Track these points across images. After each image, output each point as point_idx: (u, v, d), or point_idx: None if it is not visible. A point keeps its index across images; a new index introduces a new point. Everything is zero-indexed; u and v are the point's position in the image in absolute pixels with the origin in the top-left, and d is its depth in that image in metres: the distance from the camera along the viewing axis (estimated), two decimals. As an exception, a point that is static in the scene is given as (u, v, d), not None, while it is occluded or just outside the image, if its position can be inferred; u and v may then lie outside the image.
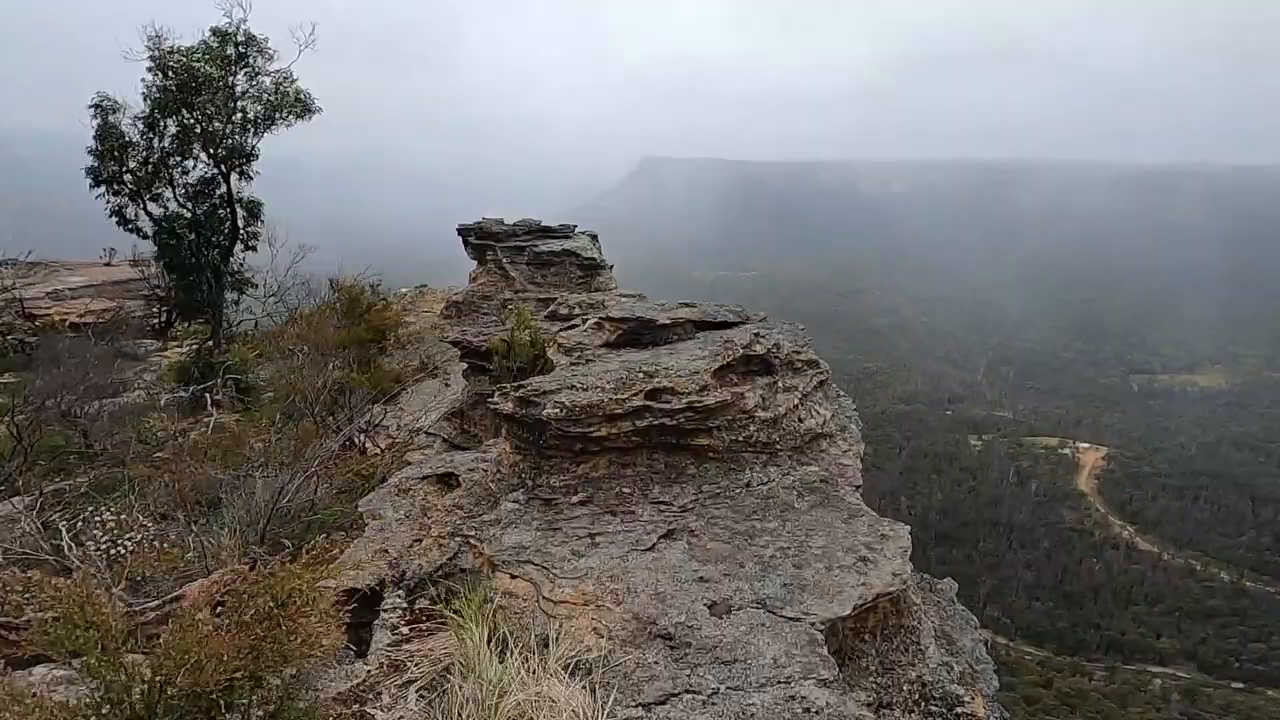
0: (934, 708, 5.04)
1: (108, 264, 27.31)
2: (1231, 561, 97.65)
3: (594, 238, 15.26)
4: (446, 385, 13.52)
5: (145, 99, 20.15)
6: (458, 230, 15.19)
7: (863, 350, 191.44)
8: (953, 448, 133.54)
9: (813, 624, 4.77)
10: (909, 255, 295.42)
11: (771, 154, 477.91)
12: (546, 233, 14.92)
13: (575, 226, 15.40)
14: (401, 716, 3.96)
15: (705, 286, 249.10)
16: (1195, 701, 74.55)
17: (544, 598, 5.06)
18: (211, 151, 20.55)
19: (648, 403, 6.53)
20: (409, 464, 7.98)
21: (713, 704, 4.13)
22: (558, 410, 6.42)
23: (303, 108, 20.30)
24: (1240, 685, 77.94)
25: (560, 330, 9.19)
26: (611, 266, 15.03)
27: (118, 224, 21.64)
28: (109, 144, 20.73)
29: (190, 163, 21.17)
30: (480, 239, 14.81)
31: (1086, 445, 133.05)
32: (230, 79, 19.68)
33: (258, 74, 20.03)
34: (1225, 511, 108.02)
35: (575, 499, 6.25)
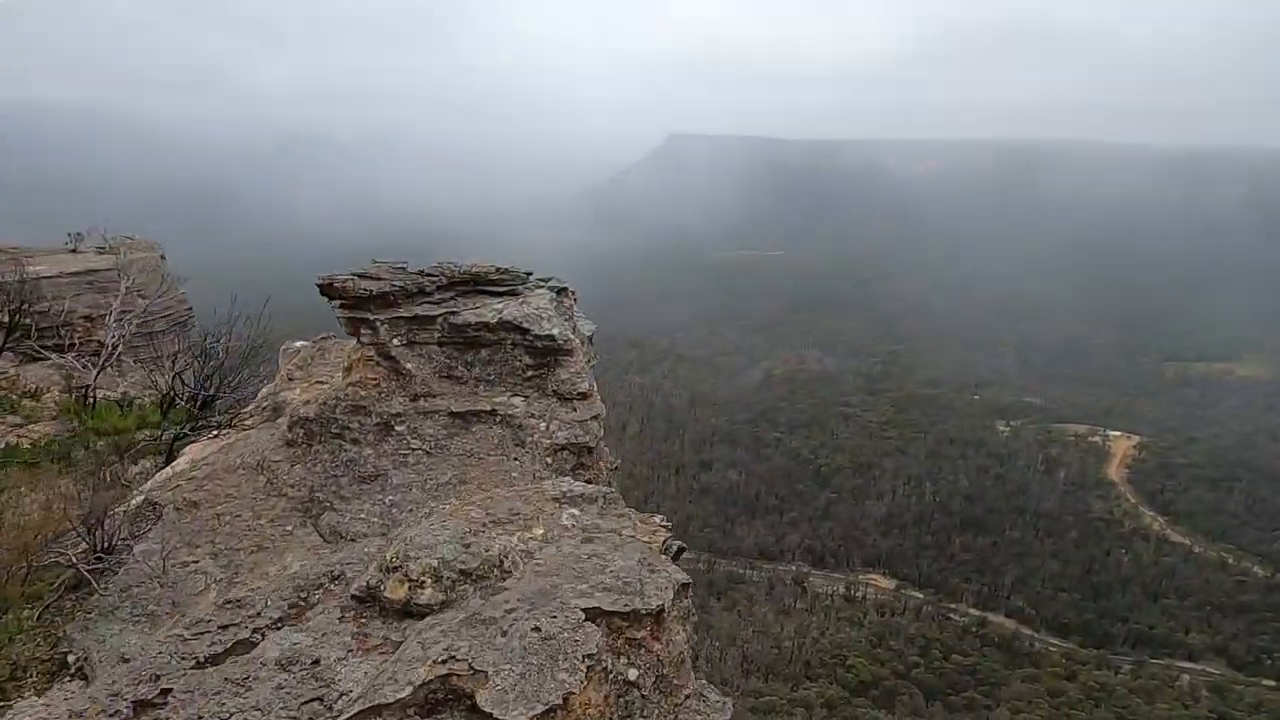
0: None
1: (73, 250, 25.17)
2: (1266, 556, 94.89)
3: (561, 292, 9.17)
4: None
5: None
6: (318, 286, 7.76)
7: (887, 333, 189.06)
8: (979, 433, 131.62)
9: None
10: (935, 238, 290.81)
11: (799, 132, 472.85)
12: (477, 286, 8.32)
13: (529, 274, 8.97)
14: None
15: (724, 269, 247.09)
16: (1225, 698, 72.75)
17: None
18: None
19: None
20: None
21: None
22: None
23: None
24: (1271, 683, 75.92)
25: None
26: (590, 340, 9.24)
27: None
28: None
29: None
30: (352, 305, 7.74)
31: (1117, 434, 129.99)
32: None
33: None
34: (1261, 505, 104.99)
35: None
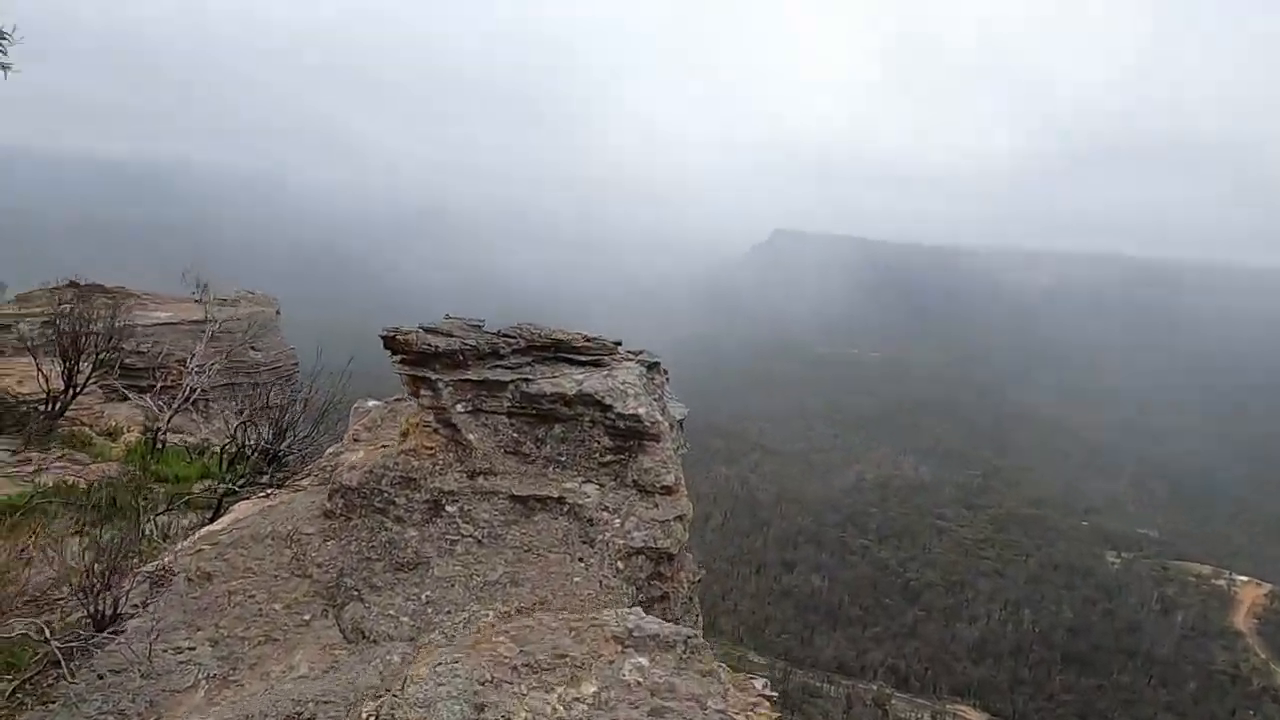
0: None
1: (199, 301, 25.72)
2: None
3: (653, 368, 7.95)
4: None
5: None
6: (382, 339, 7.05)
7: (990, 445, 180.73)
8: (1087, 562, 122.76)
9: None
10: (1051, 351, 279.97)
11: (909, 235, 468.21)
12: (559, 353, 7.20)
13: (618, 344, 7.82)
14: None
15: (823, 365, 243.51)
16: None
17: None
18: None
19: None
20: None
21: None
22: None
23: None
24: None
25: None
26: (681, 426, 7.97)
27: None
28: None
29: None
30: (414, 362, 6.91)
31: (1246, 579, 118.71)
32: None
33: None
34: None
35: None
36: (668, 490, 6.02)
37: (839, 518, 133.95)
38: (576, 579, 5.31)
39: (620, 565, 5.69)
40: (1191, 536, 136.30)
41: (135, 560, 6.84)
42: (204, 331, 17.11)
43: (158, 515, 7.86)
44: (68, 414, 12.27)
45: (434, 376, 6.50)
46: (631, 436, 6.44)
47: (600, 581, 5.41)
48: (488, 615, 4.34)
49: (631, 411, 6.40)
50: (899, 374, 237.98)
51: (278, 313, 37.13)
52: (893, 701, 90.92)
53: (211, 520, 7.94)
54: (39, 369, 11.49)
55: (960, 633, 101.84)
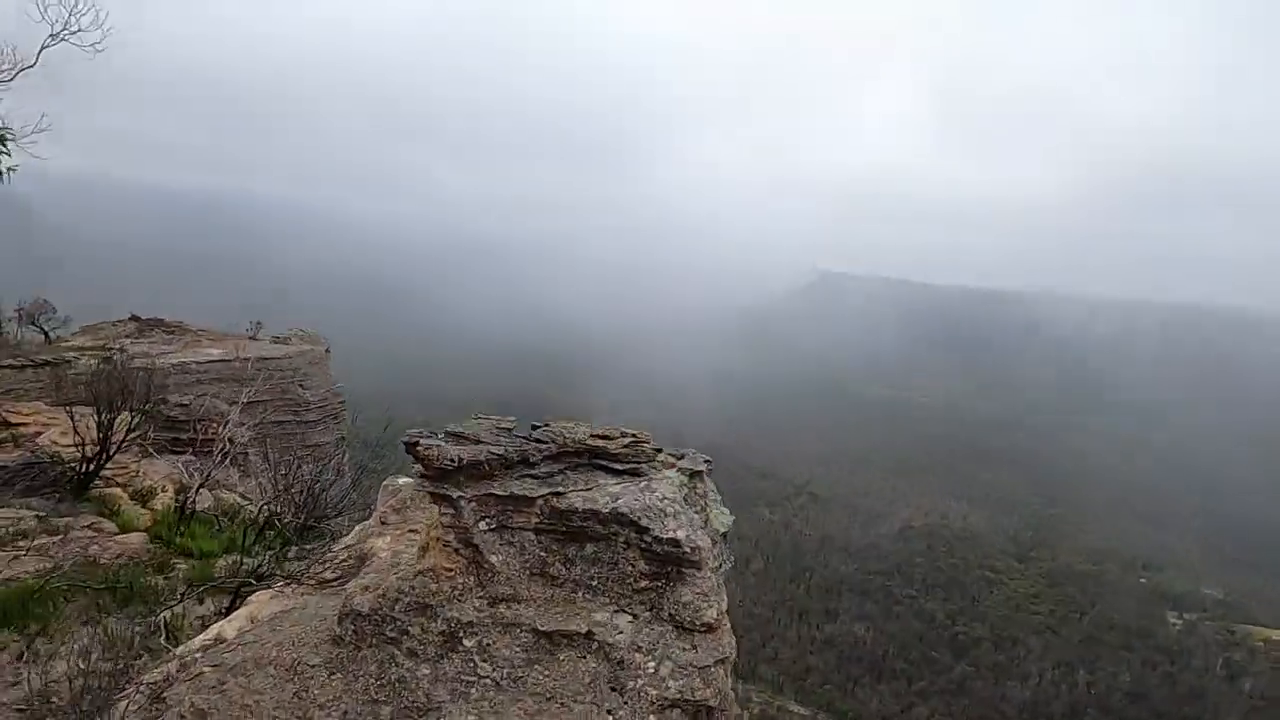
0: None
1: (253, 338, 26.31)
2: None
3: (695, 476, 6.79)
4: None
5: None
6: (404, 445, 6.24)
7: (1044, 494, 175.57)
8: (1146, 622, 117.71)
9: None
10: (1106, 398, 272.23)
11: (958, 277, 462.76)
12: (594, 459, 6.42)
13: (659, 451, 6.85)
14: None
15: (869, 407, 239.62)
16: None
17: None
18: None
19: None
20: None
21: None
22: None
23: None
24: None
25: None
26: (725, 539, 6.69)
27: None
28: None
29: None
30: (434, 476, 6.11)
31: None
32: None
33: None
34: None
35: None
36: (708, 628, 5.33)
37: (884, 566, 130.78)
38: (606, 736, 4.77)
39: (654, 720, 5.04)
40: (1260, 598, 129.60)
41: (141, 661, 6.47)
42: (244, 384, 17.01)
43: (173, 606, 7.50)
44: (105, 473, 12.13)
45: (456, 494, 5.83)
46: (669, 562, 5.71)
47: (632, 746, 4.76)
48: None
49: (670, 535, 5.66)
50: (947, 418, 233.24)
51: (327, 350, 37.52)
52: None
53: (228, 612, 7.57)
54: (74, 425, 11.36)
55: (1011, 692, 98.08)
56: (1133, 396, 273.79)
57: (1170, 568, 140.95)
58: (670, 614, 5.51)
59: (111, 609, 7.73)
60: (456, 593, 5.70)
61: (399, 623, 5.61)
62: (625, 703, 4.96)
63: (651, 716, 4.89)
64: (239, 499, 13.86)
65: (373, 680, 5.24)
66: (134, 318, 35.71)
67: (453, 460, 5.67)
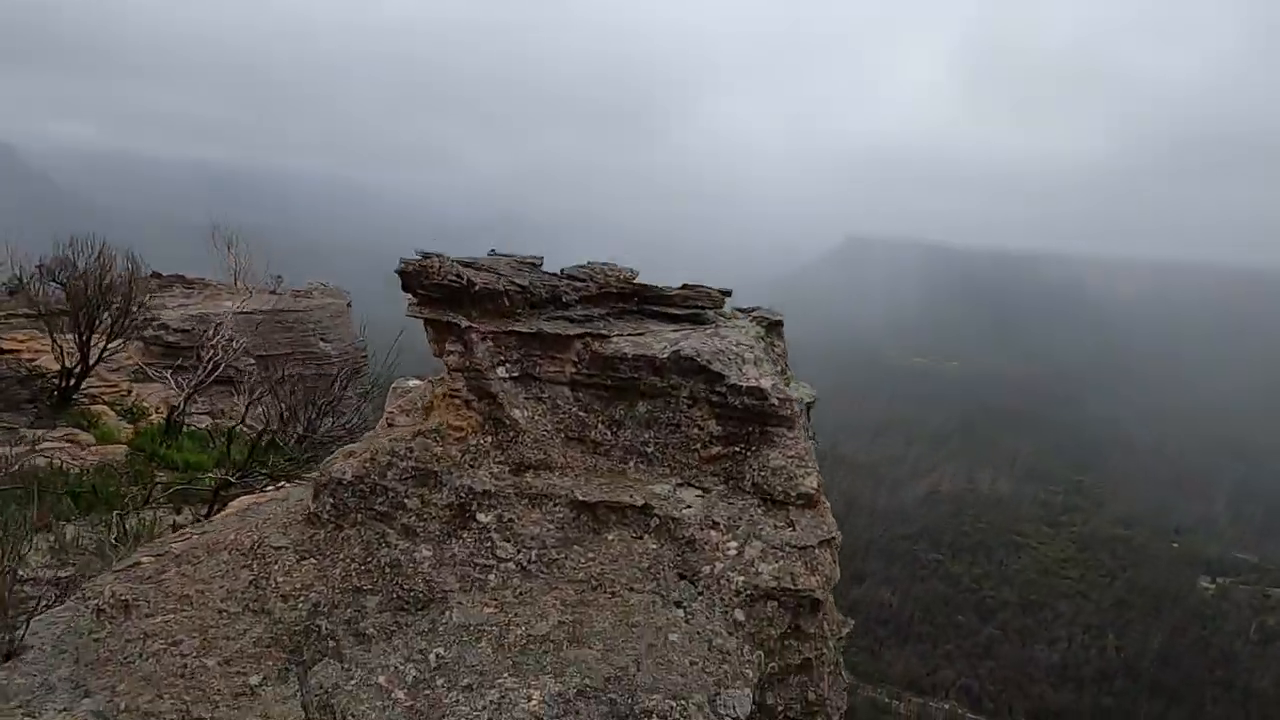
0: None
1: (273, 292, 26.08)
2: None
3: (772, 328, 6.13)
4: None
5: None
6: (400, 275, 4.77)
7: (1074, 460, 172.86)
8: (1178, 587, 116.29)
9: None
10: (1140, 364, 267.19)
11: (988, 242, 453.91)
12: (644, 303, 5.19)
13: (728, 293, 6.03)
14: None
15: (897, 373, 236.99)
16: None
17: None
18: None
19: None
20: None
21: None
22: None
23: None
24: None
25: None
26: (809, 415, 5.67)
27: None
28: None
29: None
30: (443, 298, 4.71)
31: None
32: None
33: None
34: None
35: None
36: (808, 501, 4.01)
37: (911, 531, 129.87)
38: (672, 636, 3.30)
39: (740, 616, 3.68)
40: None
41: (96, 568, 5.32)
42: (296, 323, 15.92)
43: (139, 510, 6.30)
44: (92, 391, 11.08)
45: (465, 324, 4.36)
46: (751, 420, 4.38)
47: (709, 642, 3.42)
48: (530, 699, 2.53)
49: (752, 384, 4.34)
50: (976, 385, 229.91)
51: (349, 305, 36.93)
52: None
53: (206, 516, 6.40)
54: (54, 341, 10.26)
55: (1038, 655, 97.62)
56: (1166, 362, 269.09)
57: (1202, 533, 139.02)
58: (754, 484, 4.16)
59: (72, 515, 6.62)
60: (469, 457, 4.33)
61: (393, 494, 4.25)
62: (700, 593, 3.60)
63: (738, 611, 3.54)
64: (243, 428, 12.84)
65: (356, 564, 3.87)
66: (155, 274, 35.52)
67: (460, 278, 4.22)
